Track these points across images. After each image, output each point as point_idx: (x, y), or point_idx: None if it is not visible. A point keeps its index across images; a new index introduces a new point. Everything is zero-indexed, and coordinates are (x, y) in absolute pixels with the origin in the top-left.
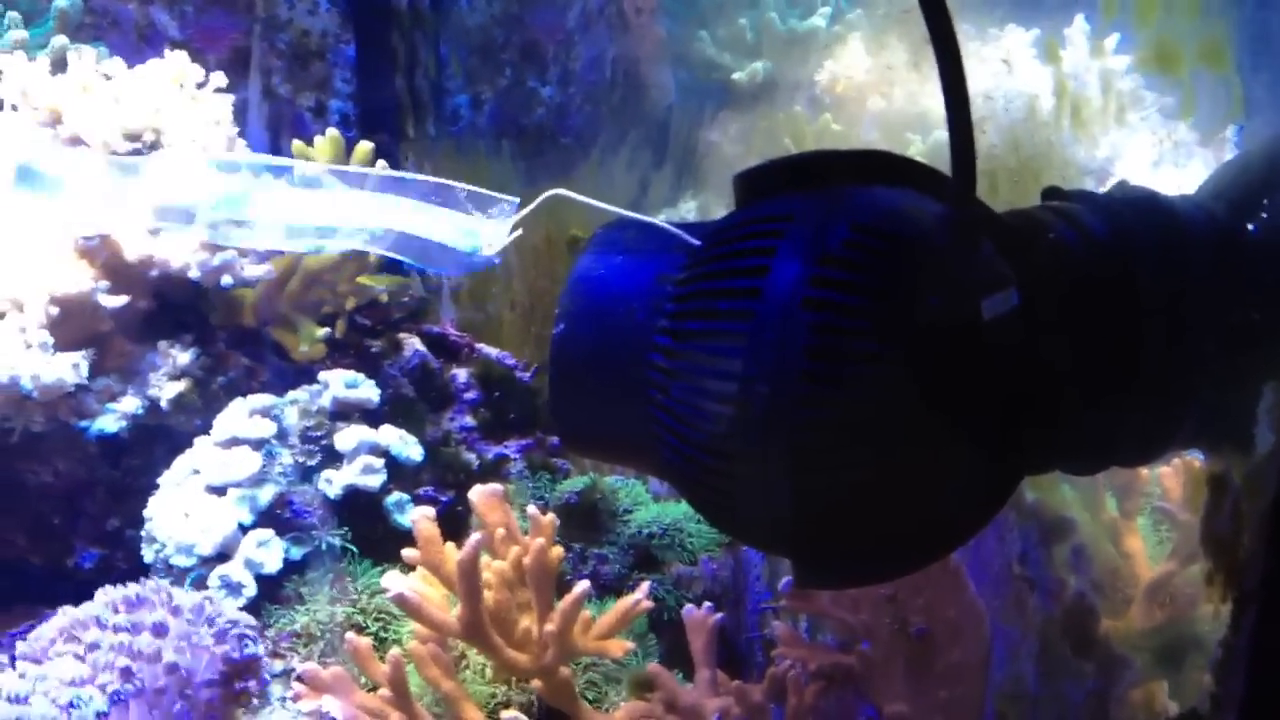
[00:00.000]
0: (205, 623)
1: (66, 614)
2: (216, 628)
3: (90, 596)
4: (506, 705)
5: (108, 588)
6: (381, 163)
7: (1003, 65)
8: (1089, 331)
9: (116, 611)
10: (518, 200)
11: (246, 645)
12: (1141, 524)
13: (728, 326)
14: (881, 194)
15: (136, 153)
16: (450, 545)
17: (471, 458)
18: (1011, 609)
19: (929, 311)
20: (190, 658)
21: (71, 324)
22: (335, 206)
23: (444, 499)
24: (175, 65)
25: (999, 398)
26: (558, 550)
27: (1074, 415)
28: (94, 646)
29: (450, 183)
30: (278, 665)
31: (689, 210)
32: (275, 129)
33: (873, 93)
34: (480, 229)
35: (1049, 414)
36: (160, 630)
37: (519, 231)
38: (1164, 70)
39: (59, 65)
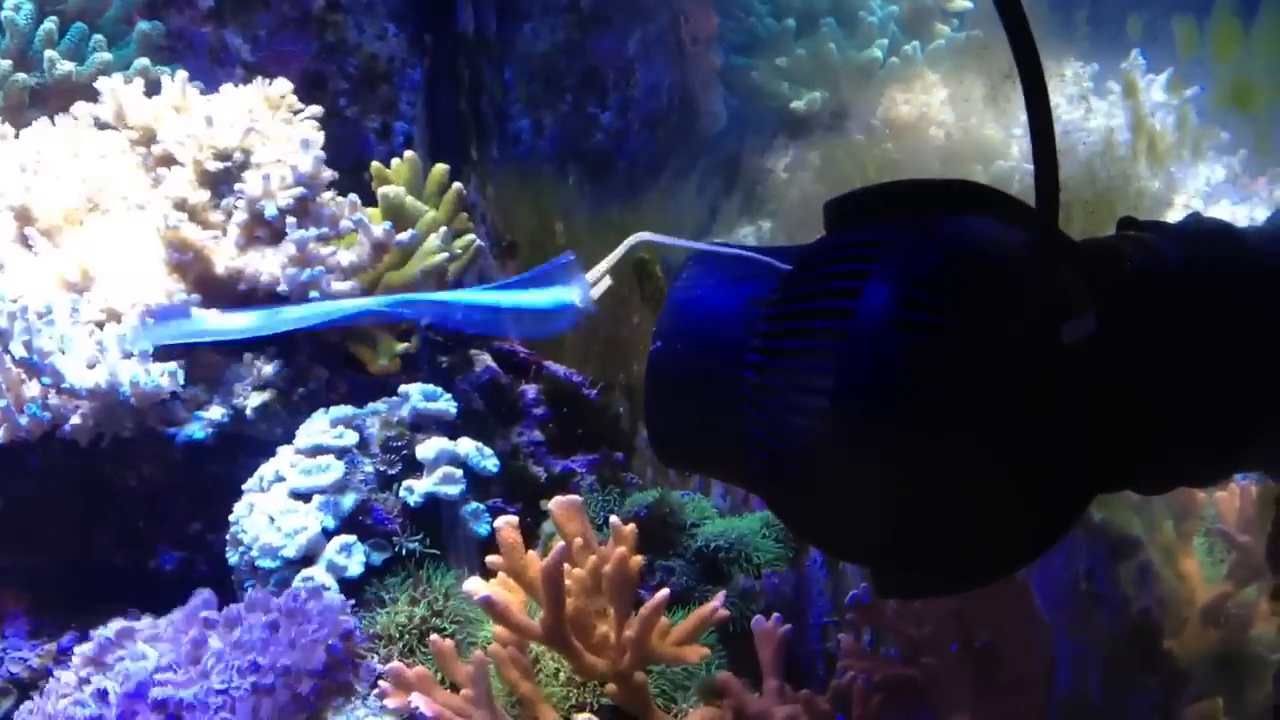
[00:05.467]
0: (307, 618)
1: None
2: (317, 624)
3: (172, 597)
4: (580, 708)
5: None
6: (457, 185)
7: (1079, 100)
8: (1163, 356)
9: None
10: (572, 255)
11: (348, 640)
12: (1197, 545)
13: (821, 345)
14: (970, 222)
15: (226, 172)
16: (532, 553)
17: (540, 471)
18: (1078, 623)
19: (1013, 335)
20: (298, 654)
21: None
22: None
23: (512, 510)
24: (275, 88)
25: (1077, 419)
26: (638, 559)
27: (1147, 438)
28: (207, 643)
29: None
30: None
31: (746, 235)
32: (341, 150)
33: (932, 123)
34: (564, 290)
35: (1123, 436)
36: (273, 627)
37: (608, 281)
38: (1240, 107)
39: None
